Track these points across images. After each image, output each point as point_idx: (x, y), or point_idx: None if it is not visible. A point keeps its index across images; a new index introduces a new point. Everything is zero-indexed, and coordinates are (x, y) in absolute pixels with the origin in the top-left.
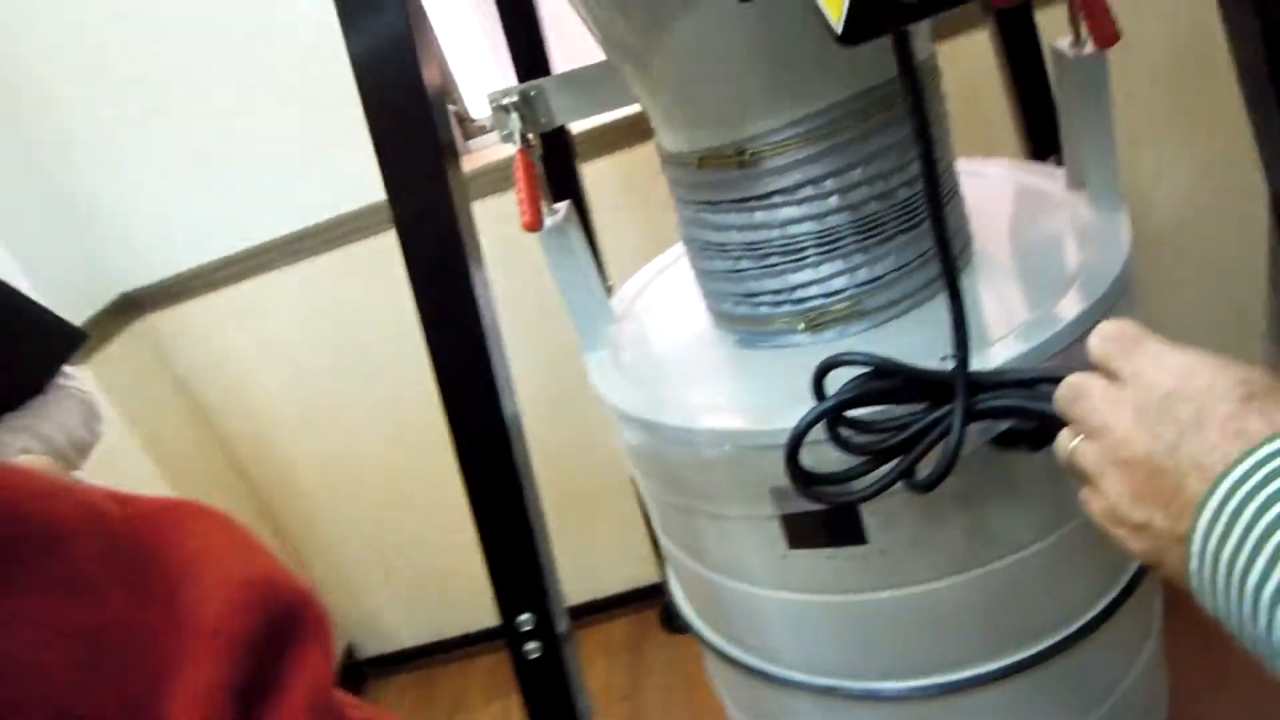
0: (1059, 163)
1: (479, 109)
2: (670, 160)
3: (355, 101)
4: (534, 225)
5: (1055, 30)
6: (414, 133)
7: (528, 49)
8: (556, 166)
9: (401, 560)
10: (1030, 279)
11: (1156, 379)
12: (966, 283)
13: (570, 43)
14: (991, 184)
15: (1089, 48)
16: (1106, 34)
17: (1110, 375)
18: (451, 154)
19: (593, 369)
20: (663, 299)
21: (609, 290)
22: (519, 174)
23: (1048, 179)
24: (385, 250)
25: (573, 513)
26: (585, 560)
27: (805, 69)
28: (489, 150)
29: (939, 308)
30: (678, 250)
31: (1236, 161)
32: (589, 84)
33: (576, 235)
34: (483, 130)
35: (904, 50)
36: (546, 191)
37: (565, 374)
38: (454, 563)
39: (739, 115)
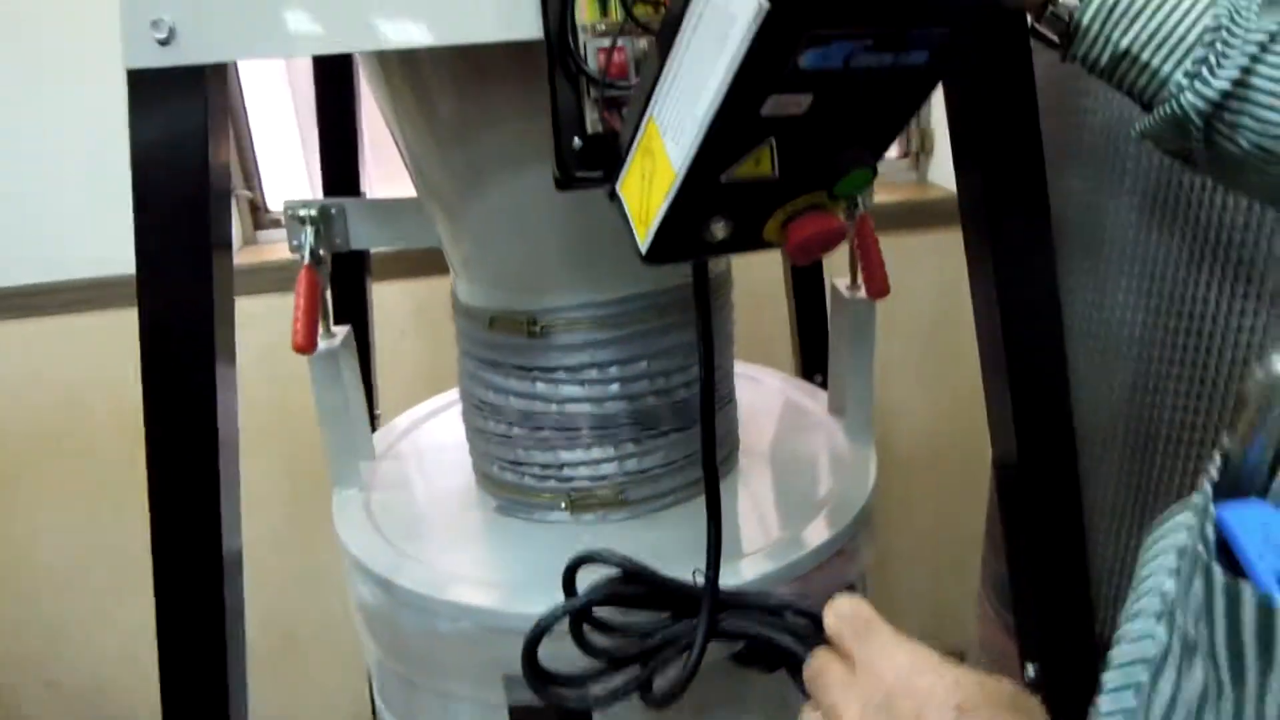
0: (823, 383)
1: (277, 199)
2: (462, 311)
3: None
4: (305, 348)
5: (839, 266)
6: (183, 233)
7: (340, 158)
8: (346, 279)
9: (68, 674)
10: (786, 496)
11: (881, 673)
12: (727, 489)
13: (385, 164)
14: (763, 392)
15: (862, 293)
16: (879, 286)
17: (844, 654)
18: (223, 258)
19: (337, 507)
20: (429, 444)
21: (375, 422)
22: (300, 291)
23: (811, 398)
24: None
25: (293, 649)
26: (302, 700)
27: (610, 258)
28: (279, 245)
29: (701, 507)
30: (455, 395)
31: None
32: (394, 214)
33: (349, 363)
34: (276, 224)
35: (700, 275)
36: (327, 310)
37: (313, 496)
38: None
39: (538, 285)
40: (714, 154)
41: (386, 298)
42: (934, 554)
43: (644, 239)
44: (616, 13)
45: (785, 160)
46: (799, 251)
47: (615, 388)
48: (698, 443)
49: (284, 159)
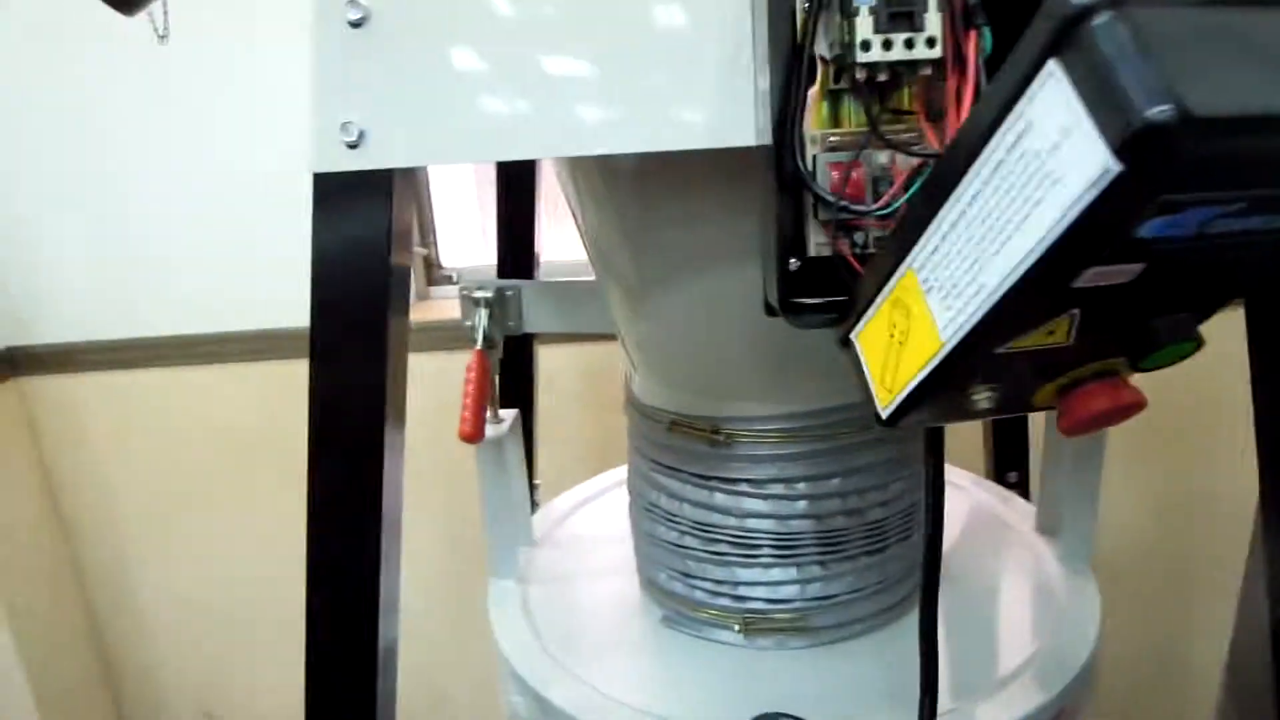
0: (1013, 483)
1: (452, 255)
2: (636, 406)
3: (297, 219)
4: (473, 437)
5: None
6: (358, 340)
7: (516, 234)
8: (513, 356)
9: (225, 707)
10: (990, 642)
11: None
12: (913, 621)
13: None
14: (953, 499)
15: None
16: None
17: None
18: (397, 356)
19: (493, 601)
20: (591, 532)
21: (534, 493)
22: (470, 377)
23: (1010, 507)
24: (297, 377)
25: (444, 708)
26: None
27: (804, 367)
28: (452, 302)
29: (887, 638)
30: (622, 474)
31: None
32: (571, 299)
33: (515, 451)
34: (449, 280)
35: (936, 438)
36: (495, 394)
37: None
38: None
39: (724, 392)
40: (999, 326)
41: (553, 359)
42: (1131, 674)
43: (886, 404)
44: (851, 120)
45: (1086, 329)
46: (1077, 427)
47: (802, 505)
48: (891, 568)
49: (460, 214)
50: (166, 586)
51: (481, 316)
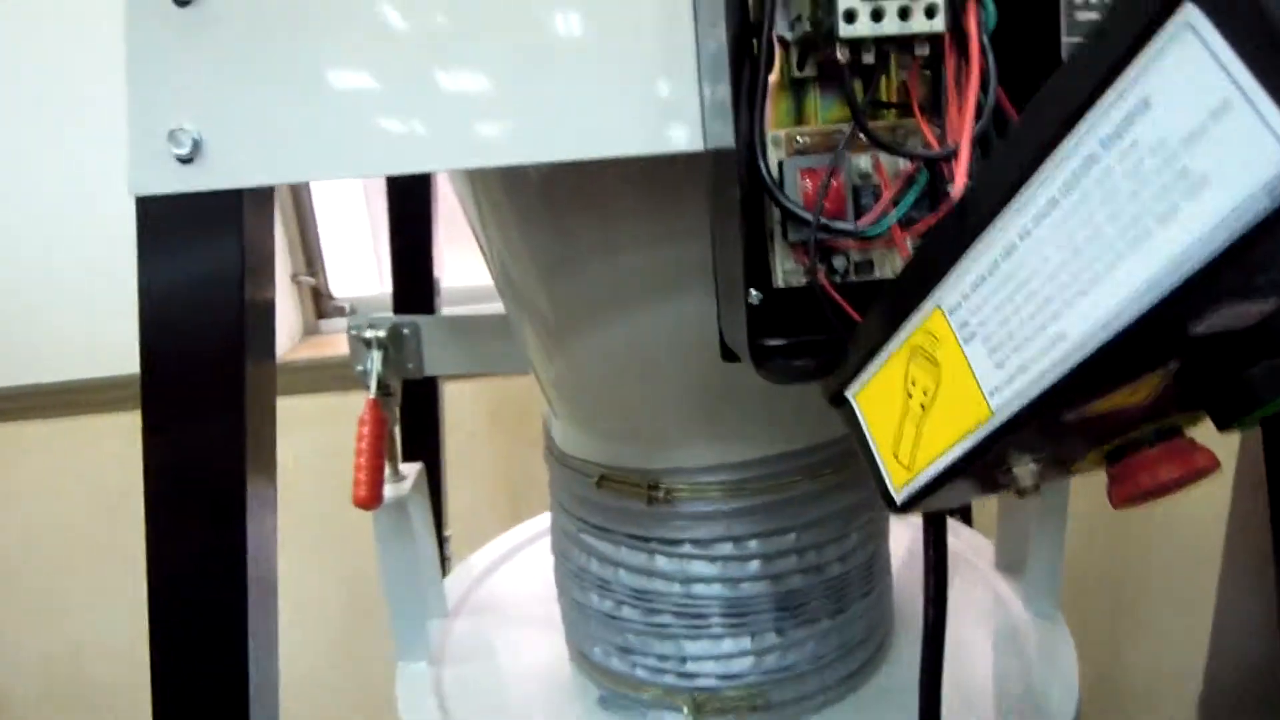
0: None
1: (342, 284)
2: (559, 458)
3: None
4: (370, 502)
5: None
6: (203, 405)
7: (412, 264)
8: (416, 392)
9: None
10: (959, 697)
11: None
12: (879, 689)
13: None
14: (897, 529)
15: None
16: None
17: None
18: (262, 407)
19: (402, 686)
20: (512, 595)
21: (447, 553)
22: (363, 432)
23: (962, 541)
24: None
25: None
26: None
27: (752, 410)
28: (342, 336)
29: (852, 709)
30: (544, 522)
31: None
32: (478, 337)
33: (420, 512)
34: (341, 311)
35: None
36: (395, 449)
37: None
38: None
39: (658, 442)
40: (1081, 390)
41: (458, 395)
42: None
43: (901, 486)
44: (818, 117)
45: (1174, 385)
46: (1136, 499)
47: (755, 566)
48: (852, 630)
49: (352, 237)
50: (16, 653)
51: (374, 360)
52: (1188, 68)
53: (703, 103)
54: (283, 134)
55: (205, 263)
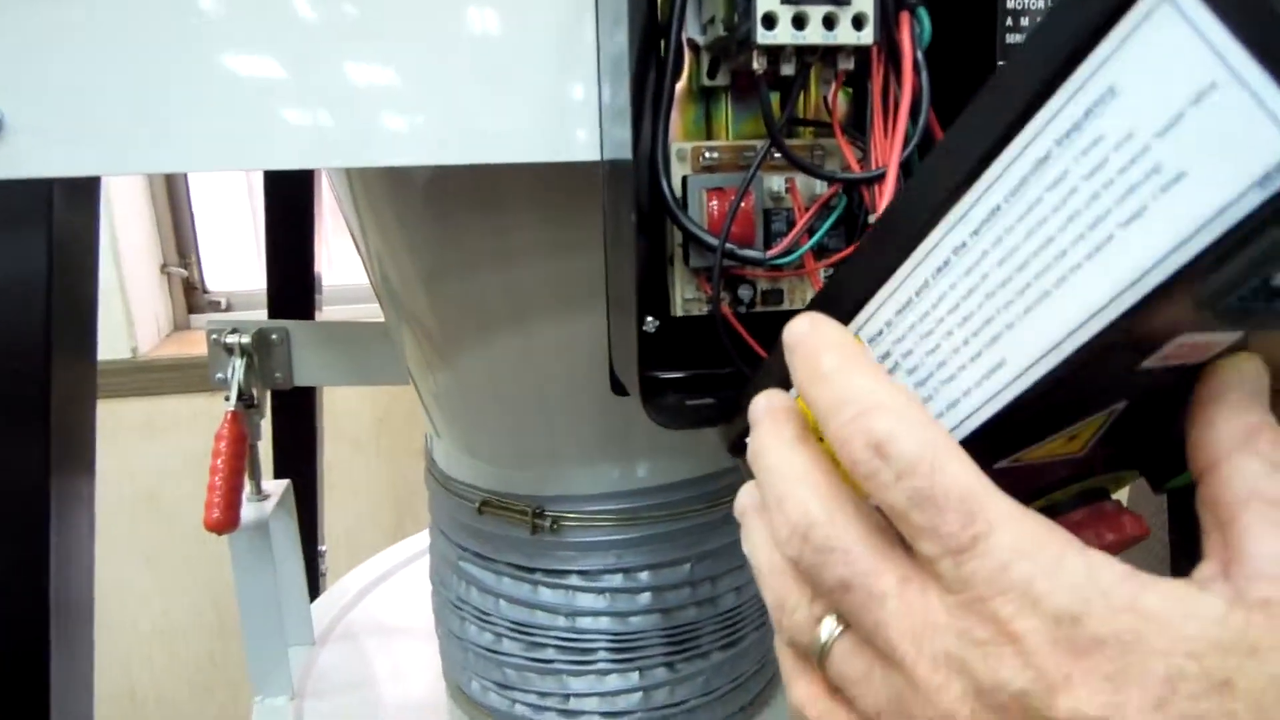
0: None
1: (219, 276)
2: (440, 480)
3: None
4: (223, 526)
5: None
6: (6, 389)
7: (290, 263)
8: (292, 397)
9: None
10: None
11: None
12: (773, 718)
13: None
14: None
15: None
16: None
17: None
18: (76, 414)
19: None
20: (389, 620)
21: (323, 567)
22: (219, 449)
23: None
24: None
25: None
26: None
27: (647, 436)
28: None
29: None
30: (424, 545)
31: None
32: (355, 345)
33: (284, 532)
34: (216, 305)
35: None
36: (257, 465)
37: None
38: None
39: (546, 466)
40: (1017, 429)
41: (342, 400)
42: None
43: None
44: (729, 131)
45: (1113, 433)
46: None
47: (645, 598)
48: (745, 663)
49: (230, 228)
50: None
51: (236, 368)
52: (1165, 49)
53: (601, 109)
54: (105, 117)
55: (6, 259)
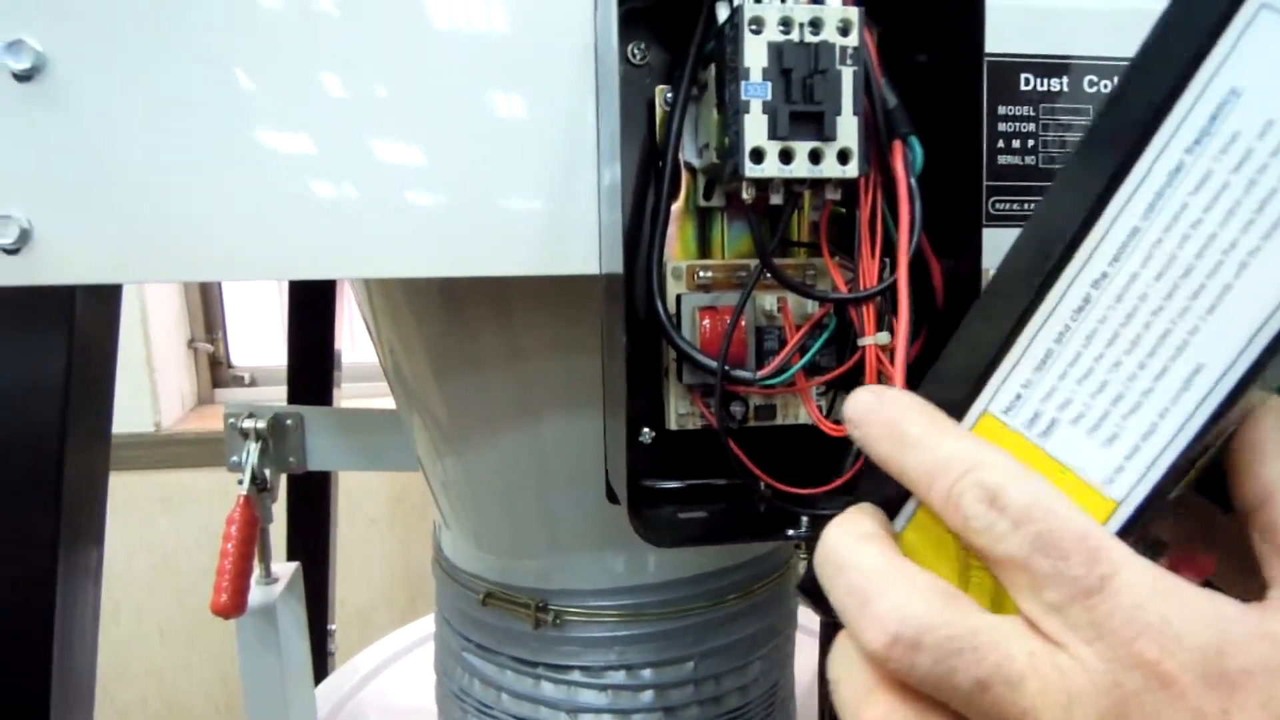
0: None
1: (244, 351)
2: (446, 569)
3: None
4: (229, 610)
5: None
6: (19, 497)
7: (310, 351)
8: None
9: None
10: None
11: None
12: None
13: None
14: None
15: None
16: None
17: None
18: (85, 501)
19: None
20: (393, 704)
21: (332, 647)
22: (229, 533)
23: None
24: None
25: None
26: None
27: None
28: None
29: None
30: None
31: None
32: (368, 432)
33: (291, 616)
34: (240, 381)
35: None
36: (266, 550)
37: None
38: None
39: (553, 559)
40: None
41: (356, 479)
42: None
43: None
44: (725, 250)
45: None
46: None
47: (648, 696)
48: None
49: (256, 304)
50: None
51: (251, 452)
52: (1275, 44)
53: (600, 225)
54: (129, 228)
55: (29, 356)
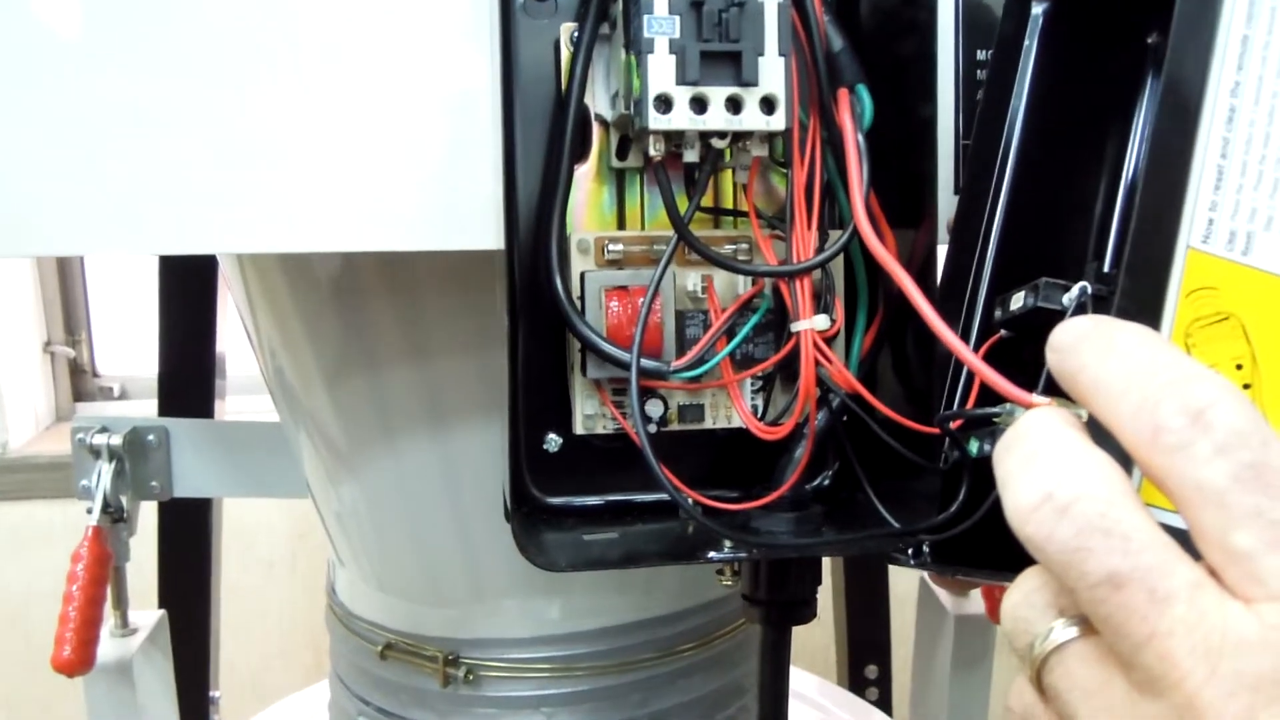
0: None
1: (111, 359)
2: (340, 618)
3: None
4: (74, 667)
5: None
6: None
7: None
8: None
9: None
10: None
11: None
12: None
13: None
14: (800, 713)
15: (979, 608)
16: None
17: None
18: None
19: None
20: None
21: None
22: (75, 573)
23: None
24: None
25: None
26: None
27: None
28: None
29: None
30: None
31: None
32: (247, 448)
33: (153, 675)
34: (108, 393)
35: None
36: (122, 593)
37: None
38: None
39: (464, 602)
40: None
41: (251, 513)
42: None
43: None
44: (644, 219)
45: None
46: None
47: None
48: None
49: (127, 303)
50: None
51: (102, 475)
52: None
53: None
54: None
55: None
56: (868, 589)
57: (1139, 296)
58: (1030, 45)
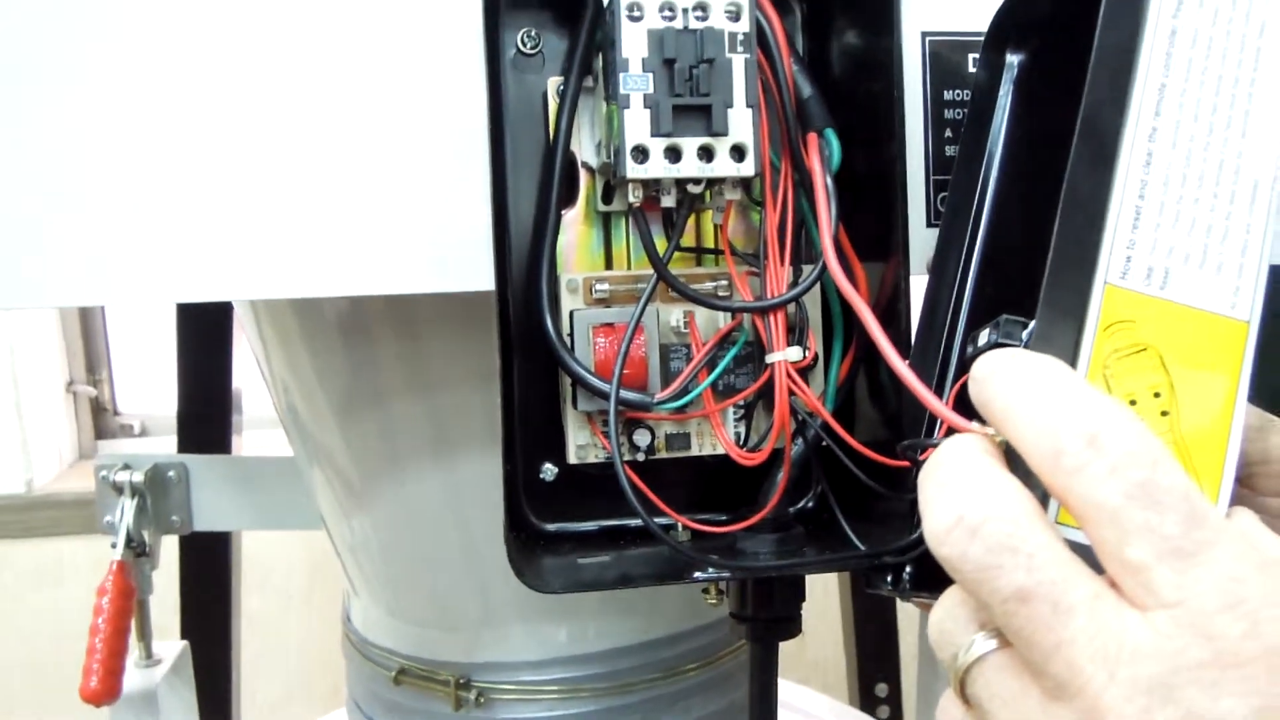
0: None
1: (132, 398)
2: (357, 642)
3: None
4: (100, 697)
5: None
6: None
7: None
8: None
9: None
10: None
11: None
12: None
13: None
14: None
15: None
16: None
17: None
18: None
19: None
20: None
21: None
22: (100, 606)
23: None
24: None
25: None
26: None
27: (595, 594)
28: None
29: None
30: None
31: None
32: (264, 483)
33: (176, 705)
34: (128, 430)
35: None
36: (146, 625)
37: None
38: None
39: (475, 628)
40: None
41: (266, 546)
42: None
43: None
44: (630, 260)
45: None
46: None
47: None
48: None
49: (147, 344)
50: None
51: (126, 510)
52: None
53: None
54: None
55: None
56: (877, 608)
57: (1054, 332)
58: (1006, 91)
